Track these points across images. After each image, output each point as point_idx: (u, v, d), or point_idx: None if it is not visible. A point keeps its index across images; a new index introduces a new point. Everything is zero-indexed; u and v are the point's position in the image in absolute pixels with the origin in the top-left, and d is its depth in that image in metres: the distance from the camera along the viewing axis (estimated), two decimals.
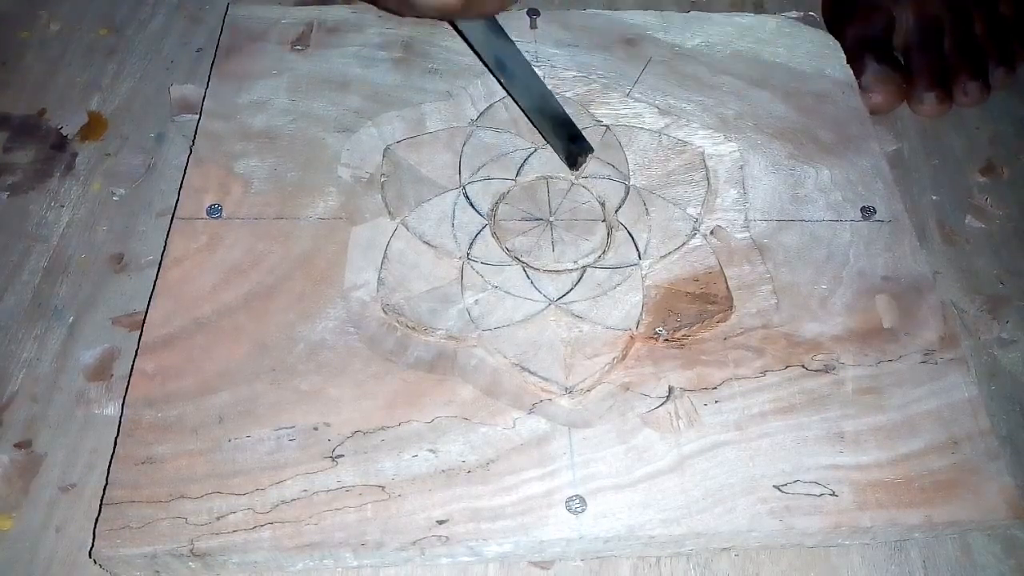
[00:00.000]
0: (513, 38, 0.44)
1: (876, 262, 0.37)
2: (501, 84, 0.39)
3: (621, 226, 0.38)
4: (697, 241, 0.37)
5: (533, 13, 0.46)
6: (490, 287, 0.35)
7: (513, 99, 0.40)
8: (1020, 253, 0.42)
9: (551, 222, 0.38)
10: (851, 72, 0.45)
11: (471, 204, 0.38)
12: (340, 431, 0.31)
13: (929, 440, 0.32)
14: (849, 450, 0.32)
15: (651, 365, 0.33)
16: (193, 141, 0.39)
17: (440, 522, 0.29)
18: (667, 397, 0.32)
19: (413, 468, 0.30)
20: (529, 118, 0.39)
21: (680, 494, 0.30)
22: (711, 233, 0.37)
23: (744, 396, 0.33)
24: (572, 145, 0.39)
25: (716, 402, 0.32)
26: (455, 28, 0.40)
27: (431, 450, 0.31)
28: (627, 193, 0.39)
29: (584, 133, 0.40)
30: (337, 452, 0.30)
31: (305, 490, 0.30)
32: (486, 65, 0.40)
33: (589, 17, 0.46)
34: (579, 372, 0.33)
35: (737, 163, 0.40)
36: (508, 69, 0.38)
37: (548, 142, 0.39)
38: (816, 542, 0.31)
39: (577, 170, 0.39)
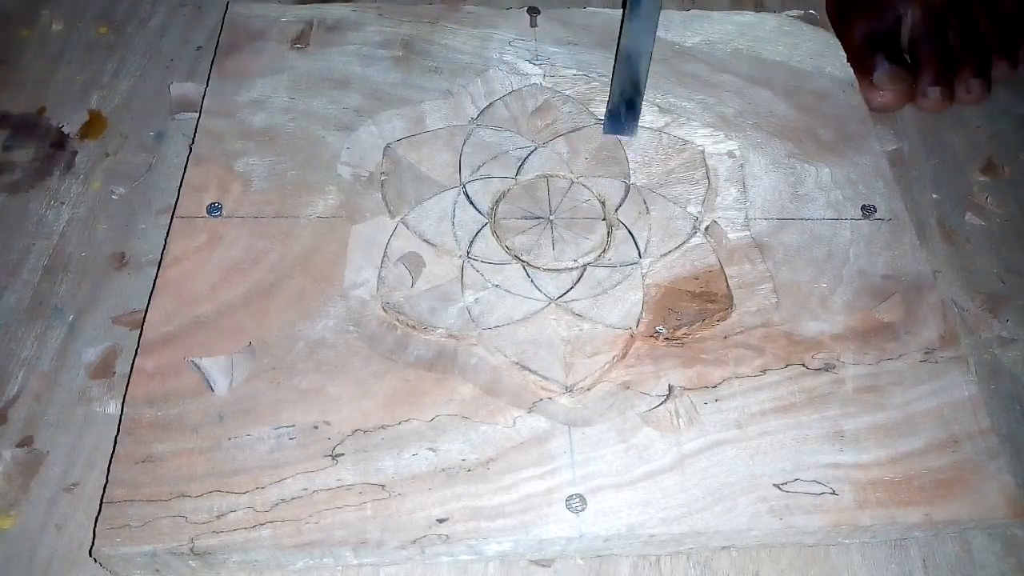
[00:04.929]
0: (512, 36, 0.45)
1: (876, 260, 0.37)
2: (623, 16, 0.38)
3: (621, 224, 0.38)
4: (697, 240, 0.37)
5: (533, 11, 0.46)
6: (490, 286, 0.35)
7: (620, 33, 0.38)
8: (1020, 252, 0.42)
9: (551, 220, 0.38)
10: (851, 70, 0.45)
11: (471, 203, 0.38)
12: (340, 429, 0.31)
13: (929, 439, 0.32)
14: (849, 449, 0.32)
15: (651, 364, 0.33)
16: (193, 139, 0.39)
17: (440, 520, 0.29)
18: (667, 396, 0.32)
19: (413, 466, 0.30)
20: (615, 60, 0.39)
21: (680, 493, 0.30)
22: (705, 230, 0.37)
23: (744, 395, 0.33)
24: (622, 107, 0.39)
25: (716, 401, 0.32)
26: None
27: (431, 448, 0.31)
28: (627, 191, 0.39)
29: (584, 132, 0.40)
30: (337, 451, 0.30)
31: (305, 489, 0.30)
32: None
33: (589, 15, 0.46)
34: (579, 371, 0.33)
35: (737, 161, 0.40)
36: (640, 6, 0.36)
37: (610, 88, 0.39)
38: (816, 540, 0.32)
39: (606, 132, 0.39)
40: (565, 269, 0.36)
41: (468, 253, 0.36)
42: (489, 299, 0.35)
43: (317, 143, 0.39)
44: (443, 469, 0.30)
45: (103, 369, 0.36)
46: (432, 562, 0.31)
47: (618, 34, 0.39)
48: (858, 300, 0.36)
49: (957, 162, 0.45)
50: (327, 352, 0.33)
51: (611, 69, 0.43)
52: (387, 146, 0.39)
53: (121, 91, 0.46)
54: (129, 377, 0.32)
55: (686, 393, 0.32)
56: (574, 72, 0.43)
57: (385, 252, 0.36)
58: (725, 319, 0.35)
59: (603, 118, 0.40)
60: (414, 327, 0.34)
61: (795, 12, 0.48)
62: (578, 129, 0.41)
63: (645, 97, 0.42)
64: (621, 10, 0.46)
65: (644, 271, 0.36)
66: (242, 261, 0.35)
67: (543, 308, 0.35)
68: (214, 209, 0.37)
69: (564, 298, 0.35)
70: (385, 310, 0.34)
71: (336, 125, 0.40)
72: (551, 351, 0.33)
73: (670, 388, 0.33)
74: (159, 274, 0.35)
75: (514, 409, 0.32)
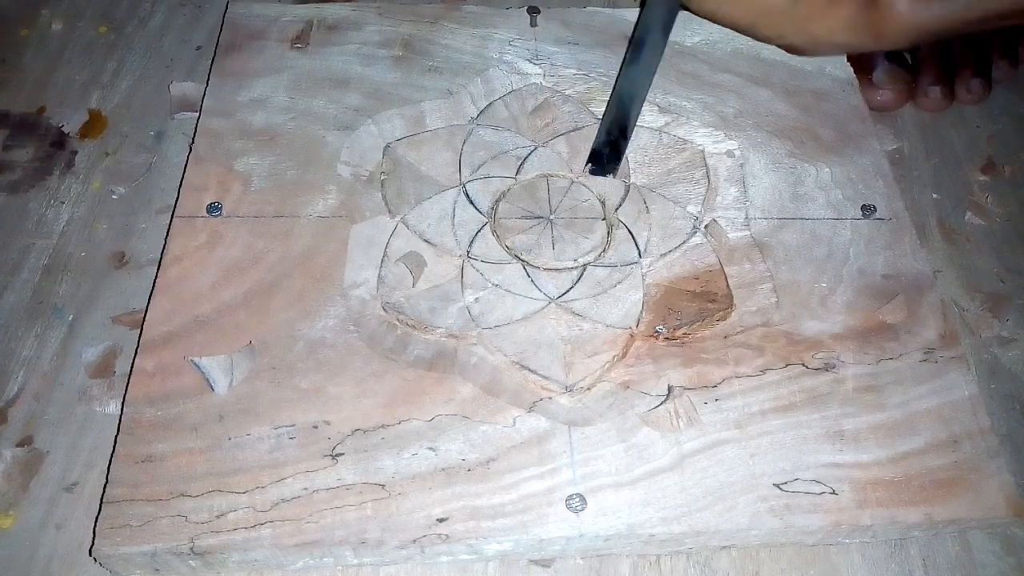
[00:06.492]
0: (512, 36, 0.45)
1: (876, 260, 0.37)
2: (624, 57, 0.38)
3: (621, 224, 0.38)
4: (697, 239, 0.37)
5: (533, 11, 0.46)
6: (490, 285, 0.35)
7: (618, 76, 0.38)
8: (1020, 251, 0.42)
9: (551, 220, 0.38)
10: (851, 70, 0.45)
11: (471, 202, 0.38)
12: (340, 429, 0.31)
13: (929, 438, 0.32)
14: (849, 448, 0.32)
15: (651, 363, 0.33)
16: (193, 139, 0.39)
17: (440, 520, 0.29)
18: (667, 396, 0.32)
19: (413, 466, 0.30)
20: (609, 99, 0.39)
21: (680, 492, 0.30)
22: (705, 227, 0.37)
23: (744, 394, 0.33)
24: (605, 149, 0.39)
25: (716, 400, 0.32)
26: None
27: (431, 448, 0.31)
28: (627, 191, 0.39)
29: (585, 132, 0.40)
30: (337, 450, 0.30)
31: (305, 488, 0.30)
32: (633, 36, 0.38)
33: (589, 15, 0.46)
34: (579, 370, 0.33)
35: (737, 161, 0.40)
36: (641, 55, 0.36)
37: (598, 128, 0.39)
38: (816, 540, 0.32)
39: (585, 169, 0.39)
40: (565, 269, 0.36)
41: (468, 253, 0.36)
42: (489, 299, 0.35)
43: (317, 143, 0.39)
44: (443, 469, 0.30)
45: (103, 368, 0.36)
46: (432, 562, 0.31)
47: (617, 74, 0.39)
48: (858, 300, 0.36)
49: (957, 162, 0.45)
50: (327, 352, 0.33)
51: (610, 70, 0.43)
52: (387, 146, 0.39)
53: (121, 91, 0.46)
54: (129, 377, 0.32)
55: (686, 393, 0.32)
56: (574, 72, 0.43)
57: (385, 252, 0.36)
58: (725, 319, 0.35)
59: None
60: (414, 327, 0.34)
61: None
62: (578, 129, 0.41)
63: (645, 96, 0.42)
64: (621, 10, 0.46)
65: (644, 271, 0.36)
66: (242, 260, 0.35)
67: (543, 308, 0.35)
68: (214, 209, 0.37)
69: (564, 298, 0.35)
70: (385, 310, 0.34)
71: (336, 125, 0.40)
72: (551, 351, 0.33)
73: (670, 388, 0.33)
74: (159, 273, 0.35)
75: (514, 409, 0.32)
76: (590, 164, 0.39)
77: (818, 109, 0.43)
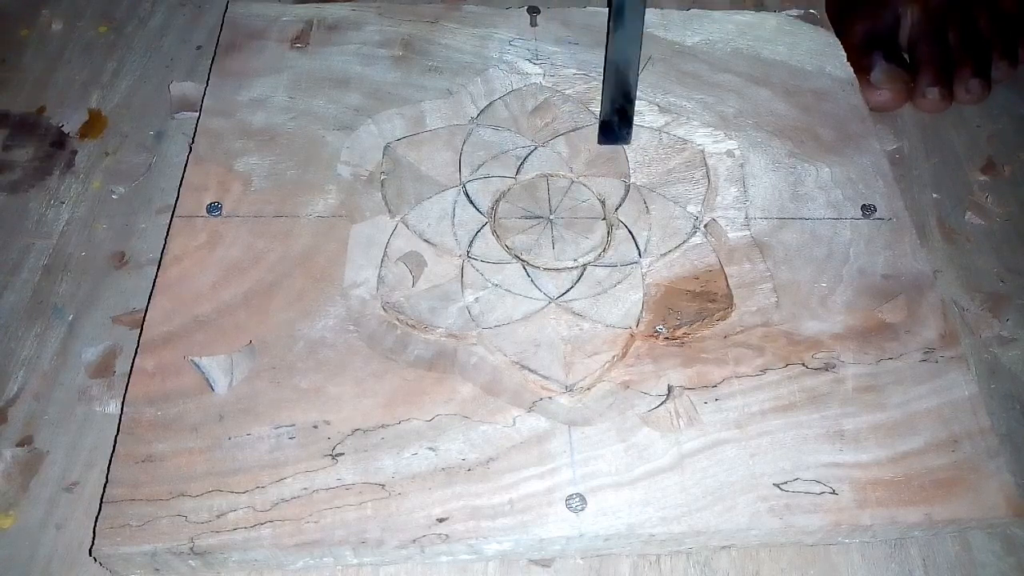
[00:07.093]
0: (512, 35, 0.45)
1: (876, 260, 0.37)
2: (608, 28, 0.38)
3: (621, 224, 0.38)
4: (697, 239, 0.37)
5: (533, 11, 0.46)
6: (490, 285, 0.35)
7: (607, 46, 0.38)
8: (1020, 251, 0.42)
9: (551, 220, 0.38)
10: (851, 70, 0.45)
11: (471, 202, 0.38)
12: (340, 429, 0.31)
13: (929, 438, 0.32)
14: (849, 448, 0.32)
15: (651, 363, 0.33)
16: (193, 139, 0.39)
17: (440, 520, 0.29)
18: (667, 396, 0.32)
19: (413, 466, 0.30)
20: (604, 71, 0.38)
21: (680, 492, 0.30)
22: (705, 227, 0.37)
23: (744, 394, 0.33)
24: (614, 118, 0.38)
25: (716, 400, 0.32)
26: None
27: (431, 448, 0.31)
28: (627, 191, 0.39)
29: (585, 132, 0.40)
30: (337, 450, 0.31)
31: (305, 488, 0.30)
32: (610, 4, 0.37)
33: (589, 15, 0.46)
34: (579, 370, 0.33)
35: (737, 161, 0.40)
36: (623, 17, 0.36)
37: (601, 101, 0.39)
38: (816, 540, 0.32)
39: (601, 143, 0.39)
40: (565, 269, 0.36)
41: (468, 252, 0.36)
42: (489, 298, 0.35)
43: (317, 142, 0.39)
44: (443, 468, 0.30)
45: (103, 368, 0.36)
46: (432, 562, 0.31)
47: (605, 45, 0.39)
48: (858, 300, 0.36)
49: (957, 161, 0.45)
50: (327, 351, 0.33)
51: (601, 72, 0.43)
52: (387, 145, 0.39)
53: (121, 90, 0.46)
54: (129, 376, 0.32)
55: (686, 393, 0.32)
56: (574, 72, 0.43)
57: (385, 251, 0.36)
58: (725, 319, 0.35)
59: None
60: (414, 326, 0.34)
61: (795, 11, 0.48)
62: (578, 128, 0.41)
63: (645, 96, 0.42)
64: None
65: (644, 270, 0.36)
66: (242, 260, 0.35)
67: (543, 307, 0.35)
68: (214, 208, 0.37)
69: (564, 297, 0.35)
70: (385, 309, 0.34)
71: (336, 125, 0.40)
72: (551, 350, 0.33)
73: (670, 388, 0.33)
74: (159, 273, 0.35)
75: (514, 408, 0.32)
76: (601, 135, 0.39)
77: (818, 109, 0.43)
